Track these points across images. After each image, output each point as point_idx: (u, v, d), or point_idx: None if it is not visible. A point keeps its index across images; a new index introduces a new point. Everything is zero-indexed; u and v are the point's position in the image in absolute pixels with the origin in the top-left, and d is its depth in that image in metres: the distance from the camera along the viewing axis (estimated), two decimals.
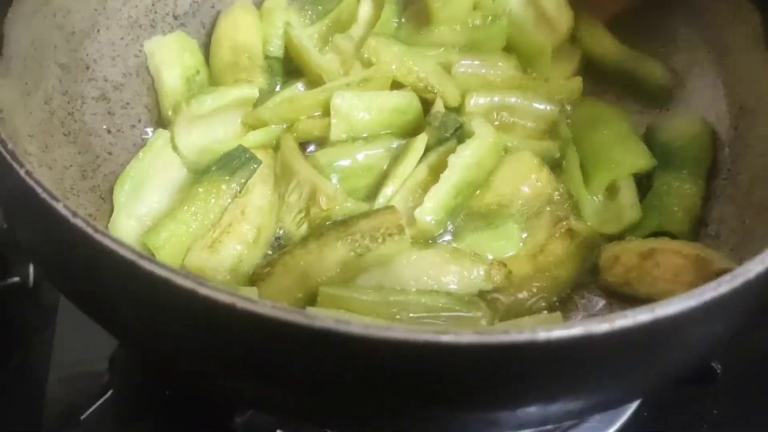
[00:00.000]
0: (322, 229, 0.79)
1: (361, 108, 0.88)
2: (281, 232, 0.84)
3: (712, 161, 0.87)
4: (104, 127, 0.89)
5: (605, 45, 0.95)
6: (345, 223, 0.78)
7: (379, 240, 0.75)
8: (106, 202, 0.84)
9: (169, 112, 0.92)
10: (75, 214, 0.53)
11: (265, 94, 0.94)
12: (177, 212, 0.80)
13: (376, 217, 0.78)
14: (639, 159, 0.86)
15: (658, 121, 0.92)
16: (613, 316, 0.50)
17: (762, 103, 0.83)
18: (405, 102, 0.90)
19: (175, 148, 0.87)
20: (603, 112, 0.91)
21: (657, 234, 0.81)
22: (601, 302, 0.81)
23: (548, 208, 0.84)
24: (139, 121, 0.93)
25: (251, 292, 0.74)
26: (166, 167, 0.86)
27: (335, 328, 0.49)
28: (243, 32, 0.98)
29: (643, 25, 0.97)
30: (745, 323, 0.58)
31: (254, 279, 0.77)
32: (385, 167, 0.87)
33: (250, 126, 0.91)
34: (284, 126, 0.91)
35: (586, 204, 0.84)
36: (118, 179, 0.84)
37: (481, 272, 0.76)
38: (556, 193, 0.85)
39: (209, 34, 1.01)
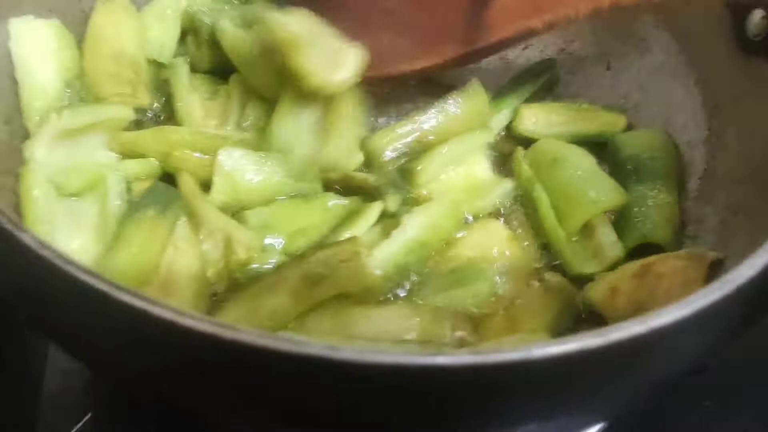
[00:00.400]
0: (284, 264, 0.74)
1: (249, 170, 0.79)
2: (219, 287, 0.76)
3: (685, 162, 0.88)
4: None
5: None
6: (303, 255, 0.73)
7: (333, 266, 0.70)
8: None
9: (36, 118, 0.80)
10: (43, 245, 0.51)
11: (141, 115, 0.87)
12: (108, 261, 0.72)
13: (334, 247, 0.73)
14: (613, 195, 0.83)
15: (618, 137, 0.92)
16: (608, 329, 0.49)
17: (736, 101, 0.83)
18: (303, 165, 0.82)
19: (31, 161, 0.76)
20: (562, 150, 0.87)
21: (639, 248, 0.81)
22: None
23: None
24: None
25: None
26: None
27: (325, 355, 0.47)
28: (126, 38, 0.88)
29: (613, 29, 0.97)
30: (740, 328, 0.58)
31: (211, 308, 0.72)
32: (325, 230, 0.79)
33: (119, 152, 0.82)
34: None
35: (565, 247, 0.82)
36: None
37: (446, 326, 0.70)
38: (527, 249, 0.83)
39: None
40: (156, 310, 0.48)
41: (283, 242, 0.77)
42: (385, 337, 0.69)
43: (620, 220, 0.84)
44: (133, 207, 0.76)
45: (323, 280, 0.70)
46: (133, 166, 0.82)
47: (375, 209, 0.81)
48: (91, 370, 0.68)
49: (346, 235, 0.77)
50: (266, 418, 0.56)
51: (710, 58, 0.86)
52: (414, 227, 0.78)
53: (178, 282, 0.72)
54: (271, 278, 0.71)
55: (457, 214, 0.83)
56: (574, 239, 0.82)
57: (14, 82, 0.81)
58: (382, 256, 0.75)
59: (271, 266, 0.74)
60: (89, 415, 0.79)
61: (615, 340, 0.49)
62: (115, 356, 0.54)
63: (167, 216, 0.75)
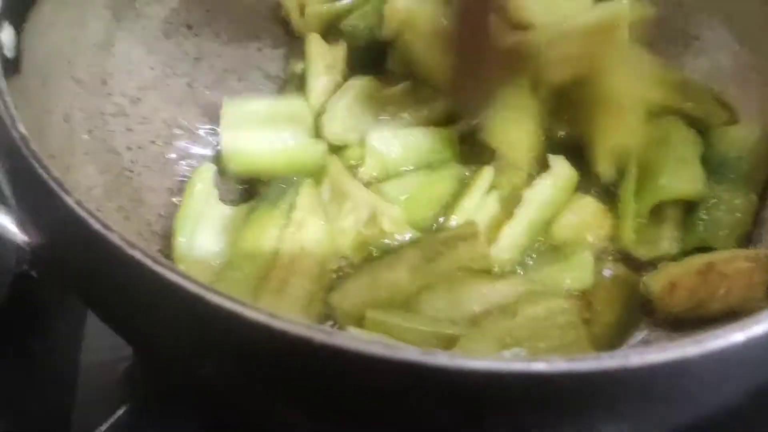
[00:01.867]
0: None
1: (396, 148, 0.86)
2: (342, 263, 0.80)
3: None
4: (124, 144, 0.85)
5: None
6: (425, 237, 0.77)
7: (452, 245, 0.73)
8: (132, 222, 0.80)
9: None
10: (132, 245, 0.50)
11: None
12: (231, 258, 0.76)
13: (454, 229, 0.76)
14: (687, 185, 0.82)
15: (715, 131, 0.89)
16: (703, 337, 0.48)
17: None
18: (443, 140, 0.87)
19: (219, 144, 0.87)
20: (675, 132, 0.86)
21: (699, 249, 0.80)
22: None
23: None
24: (159, 136, 0.89)
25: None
26: (212, 205, 0.83)
27: (419, 360, 0.46)
28: None
29: (664, 31, 0.95)
30: None
31: (330, 288, 0.76)
32: (449, 198, 0.84)
33: None
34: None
35: (628, 219, 0.81)
36: (177, 227, 0.80)
37: (563, 305, 0.70)
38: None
39: (224, 43, 0.98)
40: (248, 313, 0.48)
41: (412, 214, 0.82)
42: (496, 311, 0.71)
43: (689, 216, 0.83)
44: (251, 209, 0.79)
45: (440, 257, 0.73)
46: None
47: (487, 174, 0.84)
48: (163, 368, 0.68)
49: (465, 202, 0.82)
50: (346, 424, 0.56)
51: None
52: (537, 205, 0.81)
53: (300, 266, 0.76)
54: (392, 256, 0.75)
55: (571, 186, 0.84)
56: (642, 220, 0.82)
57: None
58: (509, 241, 0.78)
59: (403, 240, 0.79)
60: (125, 407, 0.78)
61: (711, 349, 0.48)
62: (206, 358, 0.53)
63: (279, 207, 0.79)
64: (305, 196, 0.82)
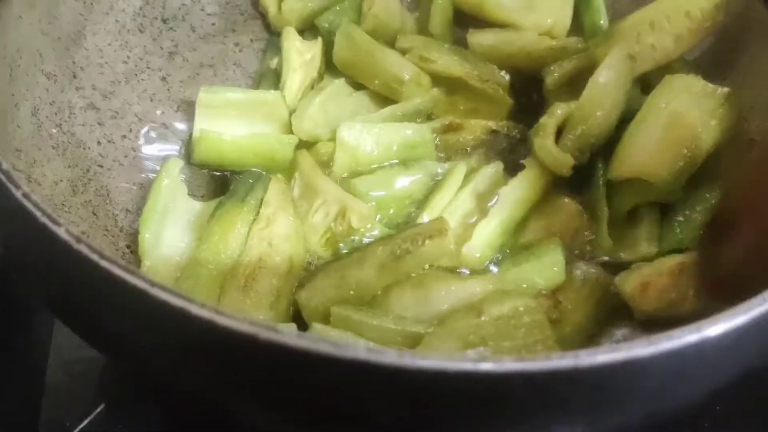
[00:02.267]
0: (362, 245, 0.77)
1: (368, 142, 0.84)
2: (311, 259, 0.80)
3: None
4: (94, 138, 0.85)
5: None
6: (390, 235, 0.76)
7: (419, 242, 0.73)
8: (99, 217, 0.79)
9: None
10: (78, 239, 0.50)
11: None
12: (198, 254, 0.75)
13: (422, 226, 0.76)
14: (661, 189, 0.80)
15: None
16: (658, 337, 0.48)
17: None
18: (417, 136, 0.87)
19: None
20: None
21: (676, 251, 0.78)
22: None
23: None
24: (130, 131, 0.88)
25: (290, 327, 0.70)
26: (179, 200, 0.82)
27: (367, 359, 0.46)
28: None
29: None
30: None
31: (298, 286, 0.75)
32: (421, 195, 0.84)
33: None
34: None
35: (603, 224, 0.80)
36: (142, 222, 0.79)
37: (529, 304, 0.68)
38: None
39: (201, 38, 0.97)
40: (193, 309, 0.47)
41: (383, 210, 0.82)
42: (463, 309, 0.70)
43: (666, 218, 0.82)
44: (219, 204, 0.79)
45: (407, 254, 0.73)
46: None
47: (460, 171, 0.84)
48: (115, 362, 0.67)
49: (436, 199, 0.82)
50: (298, 420, 0.55)
51: None
52: (511, 203, 0.81)
53: (268, 263, 0.76)
54: (360, 253, 0.75)
55: (545, 186, 0.84)
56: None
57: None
58: (481, 240, 0.79)
59: (372, 238, 0.79)
60: (100, 407, 0.78)
61: (665, 349, 0.48)
62: (153, 355, 0.53)
63: (247, 203, 0.79)
64: (275, 191, 0.81)
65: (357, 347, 0.46)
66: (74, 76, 0.85)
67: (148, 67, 0.93)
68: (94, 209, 0.80)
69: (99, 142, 0.85)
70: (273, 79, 0.95)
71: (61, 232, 0.50)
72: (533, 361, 0.46)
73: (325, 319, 0.72)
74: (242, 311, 0.73)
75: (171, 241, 0.78)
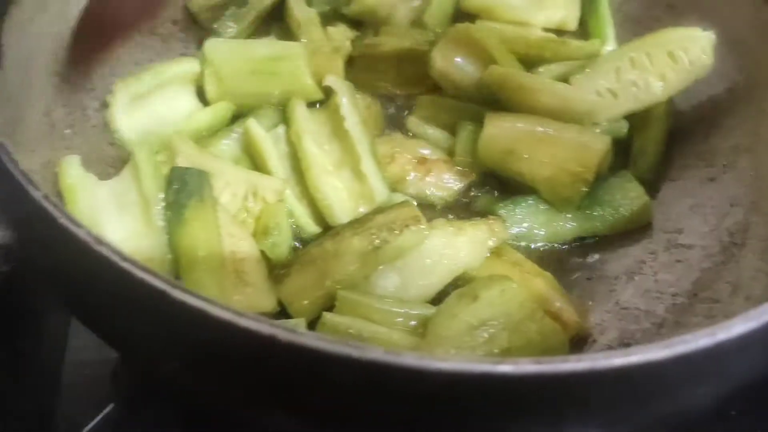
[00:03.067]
0: (336, 228, 0.78)
1: (230, 55, 0.86)
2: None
3: None
4: (105, 139, 0.85)
5: None
6: (359, 220, 0.77)
7: (397, 231, 0.74)
8: None
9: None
10: (99, 241, 0.50)
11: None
12: (184, 262, 0.72)
13: (391, 211, 0.76)
14: None
15: None
16: (674, 341, 0.48)
17: None
18: (284, 50, 0.88)
19: (114, 131, 0.84)
20: None
21: None
22: None
23: None
24: None
25: (299, 324, 0.71)
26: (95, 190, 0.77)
27: (387, 360, 0.46)
28: None
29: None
30: None
31: (273, 281, 0.75)
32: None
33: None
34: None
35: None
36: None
37: (485, 230, 0.77)
38: None
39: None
40: (215, 311, 0.47)
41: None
42: (447, 266, 0.76)
43: None
44: (177, 204, 0.74)
45: (386, 245, 0.73)
46: (205, 116, 0.87)
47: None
48: (132, 363, 0.67)
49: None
50: (316, 420, 0.55)
51: None
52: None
53: (244, 254, 0.75)
54: (332, 243, 0.74)
55: None
56: None
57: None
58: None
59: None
60: (111, 406, 0.78)
61: (681, 353, 0.48)
62: (171, 356, 0.53)
63: (206, 201, 0.76)
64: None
65: (376, 349, 0.46)
66: (86, 77, 0.86)
67: None
68: None
69: (111, 143, 0.85)
70: None
71: (81, 233, 0.50)
72: (551, 363, 0.47)
73: (312, 312, 0.73)
74: (251, 307, 0.73)
75: (116, 231, 0.74)
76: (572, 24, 0.98)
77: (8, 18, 0.73)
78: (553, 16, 0.97)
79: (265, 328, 0.47)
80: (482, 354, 0.65)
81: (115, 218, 0.75)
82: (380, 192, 0.82)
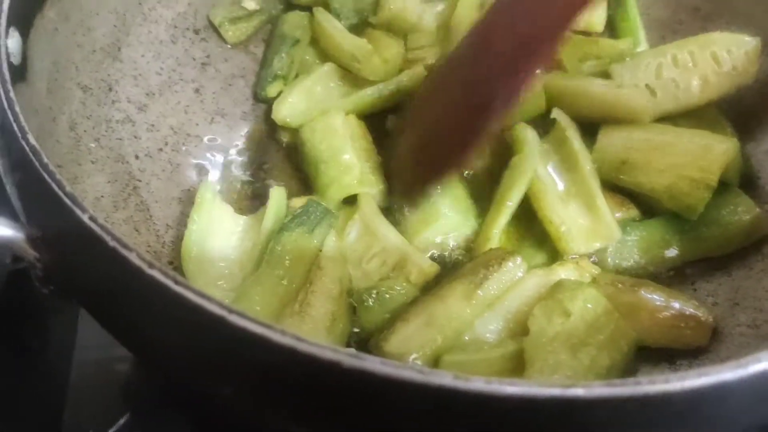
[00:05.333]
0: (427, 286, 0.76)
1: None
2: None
3: None
4: (132, 152, 0.83)
5: None
6: (454, 272, 0.75)
7: (493, 267, 0.72)
8: (141, 233, 0.78)
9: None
10: (151, 265, 0.48)
11: None
12: (262, 277, 0.72)
13: (483, 255, 0.75)
14: None
15: None
16: (746, 360, 0.47)
17: None
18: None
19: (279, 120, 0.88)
20: None
21: None
22: None
23: None
24: (166, 143, 0.87)
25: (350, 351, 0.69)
26: (222, 221, 0.80)
27: (455, 386, 0.45)
28: None
29: None
30: None
31: (383, 338, 0.71)
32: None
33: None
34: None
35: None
36: (183, 248, 0.77)
37: (572, 269, 0.75)
38: None
39: (231, 48, 0.96)
40: (275, 336, 0.46)
41: None
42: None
43: None
44: (284, 227, 0.75)
45: (486, 281, 0.72)
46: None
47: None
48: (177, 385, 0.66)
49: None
50: None
51: None
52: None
53: (319, 289, 0.73)
54: (435, 293, 0.73)
55: None
56: None
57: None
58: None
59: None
60: (126, 416, 0.77)
61: (753, 373, 0.47)
62: (229, 381, 0.51)
63: (315, 235, 0.76)
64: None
65: (443, 373, 0.45)
66: (110, 89, 0.84)
67: (181, 79, 0.91)
68: (135, 225, 0.78)
69: (137, 156, 0.83)
70: None
71: (133, 257, 0.49)
72: (623, 386, 0.45)
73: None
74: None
75: (215, 258, 0.76)
76: (599, 25, 0.97)
77: (33, 29, 0.72)
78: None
79: (328, 353, 0.45)
80: (593, 377, 0.63)
81: (223, 248, 0.77)
82: (616, 231, 0.78)
